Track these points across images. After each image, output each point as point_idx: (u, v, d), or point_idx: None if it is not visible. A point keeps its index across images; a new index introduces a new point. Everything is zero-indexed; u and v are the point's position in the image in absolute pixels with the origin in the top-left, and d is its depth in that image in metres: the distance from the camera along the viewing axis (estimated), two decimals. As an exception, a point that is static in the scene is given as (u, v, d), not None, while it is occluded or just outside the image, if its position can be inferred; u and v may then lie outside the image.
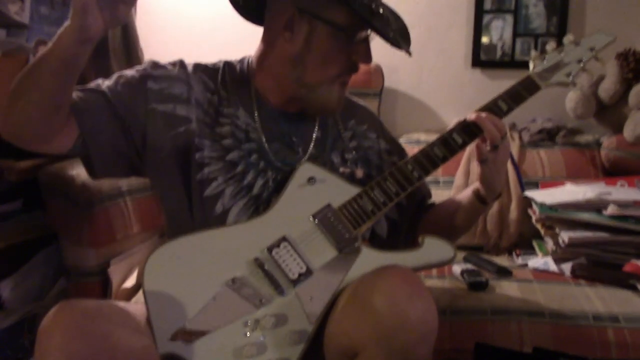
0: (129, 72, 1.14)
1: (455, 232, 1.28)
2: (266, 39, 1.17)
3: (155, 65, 1.16)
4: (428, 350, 0.93)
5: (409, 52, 1.11)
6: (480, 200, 1.21)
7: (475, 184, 1.22)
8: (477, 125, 1.15)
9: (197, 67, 1.18)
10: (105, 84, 1.12)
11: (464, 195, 1.26)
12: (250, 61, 1.21)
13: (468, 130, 1.16)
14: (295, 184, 1.12)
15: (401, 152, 1.33)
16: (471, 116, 1.16)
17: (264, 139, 1.15)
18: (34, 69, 0.99)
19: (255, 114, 1.16)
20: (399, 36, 1.11)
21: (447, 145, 1.16)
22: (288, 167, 1.15)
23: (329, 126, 1.23)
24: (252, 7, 1.19)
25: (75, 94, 1.08)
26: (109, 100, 1.09)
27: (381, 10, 1.07)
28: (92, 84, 1.13)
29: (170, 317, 1.04)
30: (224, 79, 1.18)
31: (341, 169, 1.19)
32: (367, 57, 1.12)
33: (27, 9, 1.63)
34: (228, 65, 1.21)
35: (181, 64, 1.18)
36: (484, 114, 1.15)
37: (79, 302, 0.97)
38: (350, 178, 1.19)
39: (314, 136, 1.20)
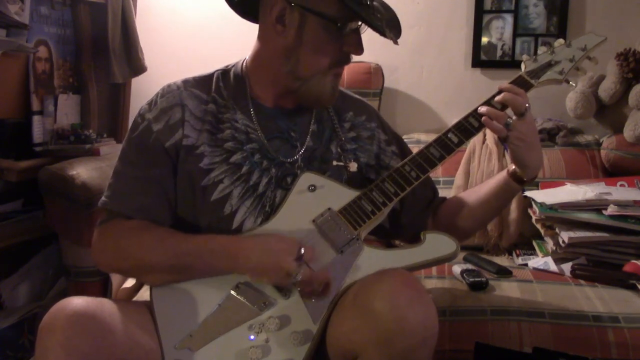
0: (137, 138, 1.15)
1: (484, 218, 1.29)
2: (261, 36, 1.18)
3: (148, 108, 1.16)
4: (428, 355, 0.93)
5: (396, 42, 1.12)
6: (517, 179, 1.21)
7: (509, 166, 1.22)
8: (487, 113, 1.15)
9: (187, 82, 1.19)
10: (133, 172, 1.13)
11: (494, 179, 1.26)
12: (245, 62, 1.22)
13: (463, 128, 1.17)
14: (296, 192, 1.14)
15: (399, 141, 1.34)
16: (482, 108, 1.17)
17: (264, 138, 1.16)
18: (153, 256, 1.07)
19: (253, 115, 1.17)
20: (387, 26, 1.11)
21: (443, 145, 1.17)
22: (288, 162, 1.17)
23: (324, 119, 1.24)
24: (247, 5, 1.19)
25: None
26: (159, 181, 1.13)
27: (369, 2, 1.08)
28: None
29: (177, 326, 1.05)
30: (218, 86, 1.19)
31: (334, 162, 1.20)
32: (358, 48, 1.13)
33: (27, 9, 1.63)
34: (222, 73, 1.22)
35: (168, 88, 1.18)
36: (503, 90, 1.18)
37: (80, 299, 0.97)
38: (345, 172, 1.20)
39: (310, 129, 1.21)
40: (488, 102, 1.18)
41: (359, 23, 1.11)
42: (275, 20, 1.10)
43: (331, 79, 1.14)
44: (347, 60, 1.15)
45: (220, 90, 1.19)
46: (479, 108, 1.17)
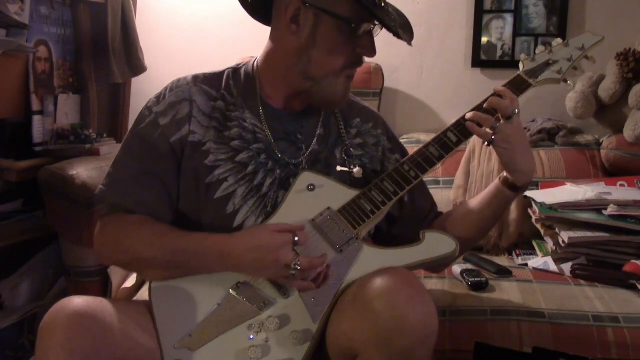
0: (142, 131, 1.15)
1: (480, 226, 1.25)
2: (273, 36, 1.18)
3: (156, 101, 1.16)
4: (428, 353, 0.93)
5: (410, 44, 1.13)
6: (510, 186, 1.19)
7: (502, 173, 1.22)
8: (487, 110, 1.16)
9: (196, 78, 1.19)
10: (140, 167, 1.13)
11: (488, 187, 1.24)
12: (256, 62, 1.22)
13: (462, 128, 1.17)
14: (295, 191, 1.14)
15: (403, 151, 1.34)
16: (469, 114, 1.17)
17: (271, 139, 1.16)
18: (152, 251, 1.07)
19: (262, 115, 1.17)
20: (401, 29, 1.12)
21: (442, 144, 1.17)
22: (293, 163, 1.17)
23: (331, 124, 1.24)
24: (260, 6, 1.20)
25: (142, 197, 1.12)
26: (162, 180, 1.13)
27: (384, 4, 1.09)
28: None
29: (177, 325, 1.05)
30: (228, 84, 1.19)
31: (338, 168, 1.20)
32: (371, 50, 1.13)
33: (27, 9, 1.63)
34: (233, 71, 1.22)
35: (177, 83, 1.18)
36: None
37: (80, 298, 0.97)
38: (348, 177, 1.19)
39: (317, 133, 1.21)
40: (478, 107, 1.18)
41: (372, 25, 1.11)
42: (289, 20, 1.10)
43: (343, 81, 1.15)
44: (360, 62, 1.15)
45: (230, 88, 1.19)
46: (466, 114, 1.17)
